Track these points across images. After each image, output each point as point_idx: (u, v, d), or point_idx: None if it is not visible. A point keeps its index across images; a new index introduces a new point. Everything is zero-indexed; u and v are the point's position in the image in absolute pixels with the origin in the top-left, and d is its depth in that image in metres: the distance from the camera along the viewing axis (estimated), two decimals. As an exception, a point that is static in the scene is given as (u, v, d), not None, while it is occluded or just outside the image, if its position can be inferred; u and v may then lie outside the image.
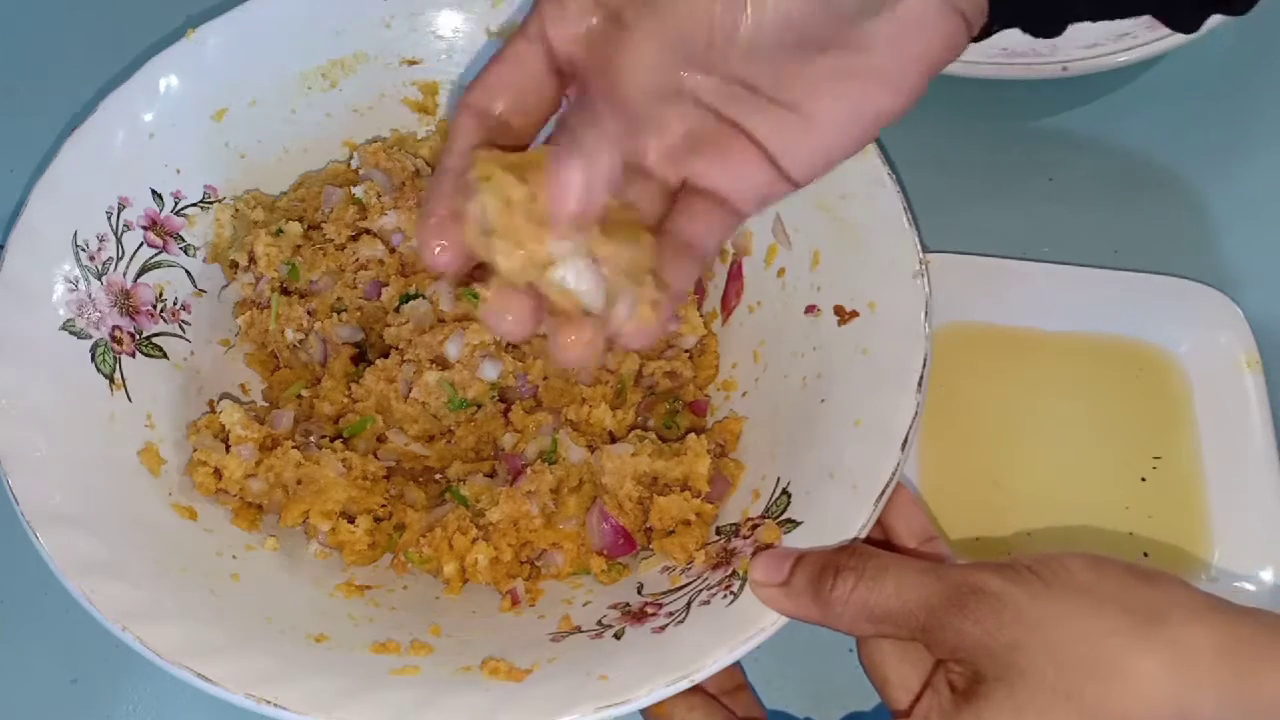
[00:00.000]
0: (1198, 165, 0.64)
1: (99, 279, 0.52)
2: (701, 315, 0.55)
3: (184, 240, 0.55)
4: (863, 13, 0.38)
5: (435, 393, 0.51)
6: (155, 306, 0.54)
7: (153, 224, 0.55)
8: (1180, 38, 0.60)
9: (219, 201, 0.56)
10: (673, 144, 0.41)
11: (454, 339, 0.52)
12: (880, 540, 0.47)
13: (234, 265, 0.55)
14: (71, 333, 0.51)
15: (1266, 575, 0.51)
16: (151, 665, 0.42)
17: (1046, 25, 0.44)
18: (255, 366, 0.56)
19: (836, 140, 0.41)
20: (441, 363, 0.52)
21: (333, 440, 0.52)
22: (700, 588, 0.46)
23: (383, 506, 0.51)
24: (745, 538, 0.47)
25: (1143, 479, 0.54)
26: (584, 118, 0.37)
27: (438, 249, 0.38)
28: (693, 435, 0.50)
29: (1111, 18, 0.45)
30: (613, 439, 0.52)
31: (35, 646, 0.52)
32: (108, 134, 0.53)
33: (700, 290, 0.56)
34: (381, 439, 0.52)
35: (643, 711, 0.45)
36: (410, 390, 0.52)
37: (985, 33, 0.42)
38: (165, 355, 0.54)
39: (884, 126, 0.41)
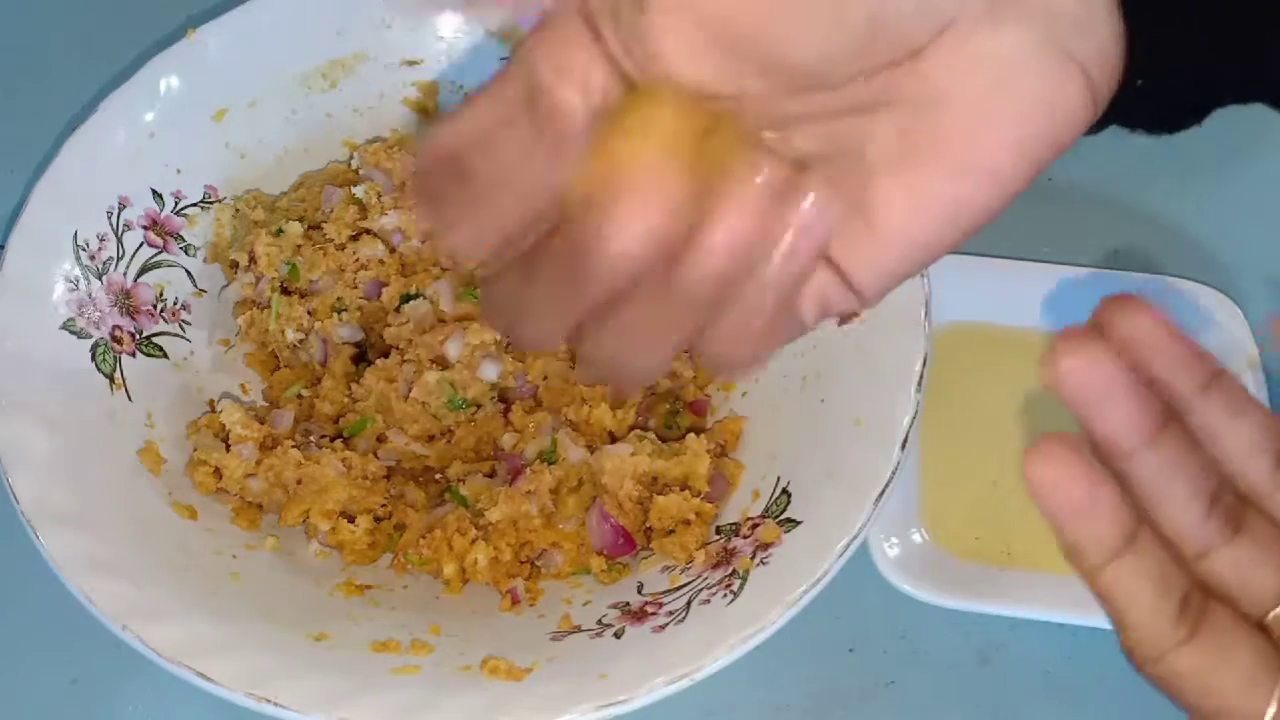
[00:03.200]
0: (1198, 165, 0.64)
1: (99, 278, 0.52)
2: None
3: (184, 240, 0.55)
4: (923, 22, 0.28)
5: (435, 393, 0.51)
6: (155, 306, 0.54)
7: (153, 224, 0.55)
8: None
9: (219, 201, 0.56)
10: None
11: (454, 339, 0.52)
12: None
13: (234, 265, 0.55)
14: (72, 332, 0.51)
15: (1266, 575, 0.51)
16: (152, 665, 0.42)
17: (1185, 109, 0.33)
18: (255, 366, 0.56)
19: (898, 240, 0.30)
20: (441, 363, 0.52)
21: (333, 440, 0.52)
22: (700, 587, 0.46)
23: (383, 506, 0.51)
24: (745, 537, 0.47)
25: (1143, 479, 0.54)
26: None
27: None
28: (693, 435, 0.50)
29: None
30: (612, 439, 0.52)
31: (35, 646, 0.52)
32: (108, 134, 0.53)
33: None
34: (381, 439, 0.52)
35: None
36: (410, 390, 0.52)
37: (1112, 113, 0.31)
38: (165, 355, 0.54)
39: (968, 229, 0.30)
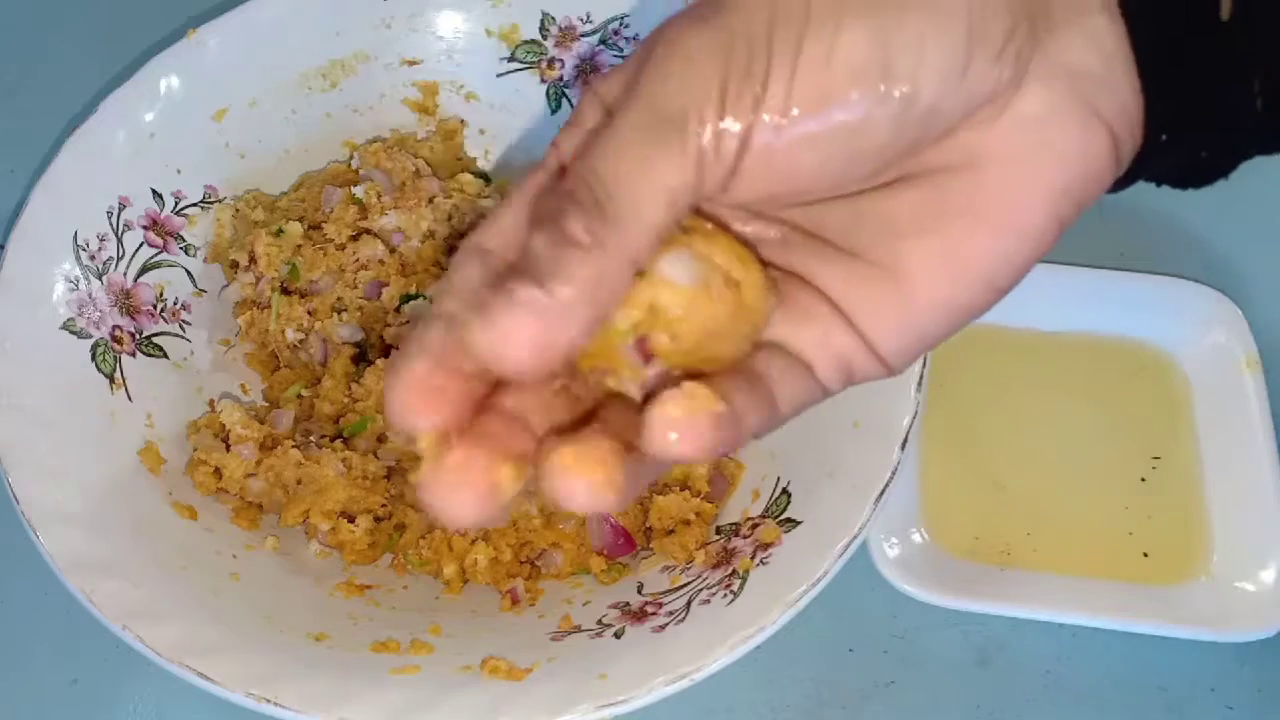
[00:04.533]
0: (1198, 165, 0.64)
1: (99, 278, 0.52)
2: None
3: (184, 240, 0.55)
4: (965, 112, 0.28)
5: (435, 392, 0.51)
6: (155, 306, 0.54)
7: (153, 224, 0.55)
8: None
9: (219, 201, 0.56)
10: None
11: (454, 339, 0.52)
12: None
13: (234, 265, 0.55)
14: (72, 332, 0.51)
15: (1266, 575, 0.51)
16: (152, 665, 0.42)
17: (1209, 163, 0.33)
18: (255, 366, 0.56)
19: (931, 304, 0.30)
20: (441, 362, 0.52)
21: (333, 440, 0.52)
22: (700, 587, 0.46)
23: (383, 506, 0.51)
24: (745, 537, 0.47)
25: (1142, 479, 0.54)
26: (559, 235, 0.26)
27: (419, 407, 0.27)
28: (693, 435, 0.50)
29: None
30: (613, 439, 0.52)
31: (35, 646, 0.52)
32: (108, 134, 0.53)
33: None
34: (381, 439, 0.52)
35: None
36: (410, 390, 0.52)
37: (1136, 170, 0.31)
38: (165, 355, 0.54)
39: (1005, 287, 0.30)
